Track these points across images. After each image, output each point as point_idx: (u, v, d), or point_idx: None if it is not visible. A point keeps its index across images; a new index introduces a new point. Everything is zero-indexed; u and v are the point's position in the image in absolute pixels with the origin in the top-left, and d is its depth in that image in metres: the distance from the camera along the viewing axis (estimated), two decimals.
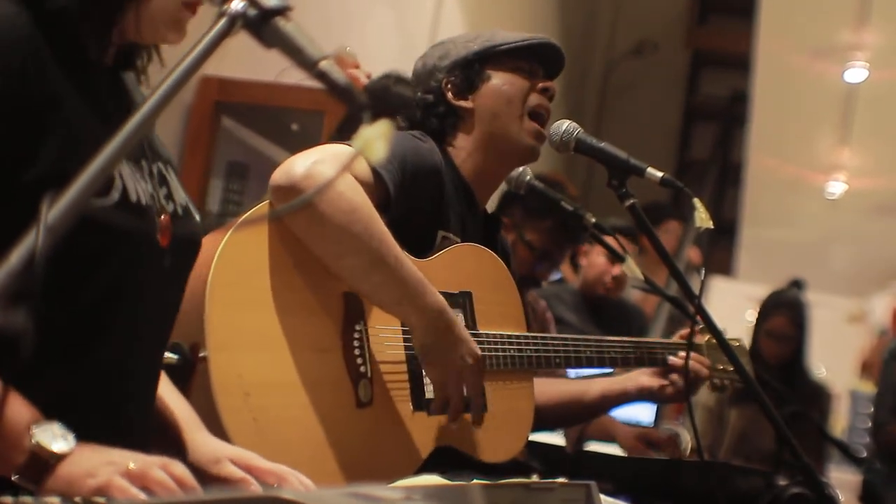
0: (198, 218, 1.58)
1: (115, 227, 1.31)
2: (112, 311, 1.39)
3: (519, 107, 2.28)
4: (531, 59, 2.32)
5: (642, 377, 2.60)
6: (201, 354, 1.74)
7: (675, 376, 2.57)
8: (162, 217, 1.46)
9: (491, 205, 2.46)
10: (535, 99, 2.30)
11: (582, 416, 2.79)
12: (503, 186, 2.54)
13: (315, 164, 1.85)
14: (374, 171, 1.99)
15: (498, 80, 2.29)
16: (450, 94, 2.30)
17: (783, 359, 5.12)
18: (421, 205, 2.10)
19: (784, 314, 5.20)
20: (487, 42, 2.30)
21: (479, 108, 2.29)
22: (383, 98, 2.72)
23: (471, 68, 2.29)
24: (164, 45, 1.53)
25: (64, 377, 1.34)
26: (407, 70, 2.83)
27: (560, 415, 2.60)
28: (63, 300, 1.32)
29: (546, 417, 2.49)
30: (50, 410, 1.26)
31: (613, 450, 3.33)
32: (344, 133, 2.60)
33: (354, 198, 1.89)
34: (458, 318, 2.10)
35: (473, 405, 2.08)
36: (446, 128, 2.30)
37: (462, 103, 2.29)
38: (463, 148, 2.29)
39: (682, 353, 2.56)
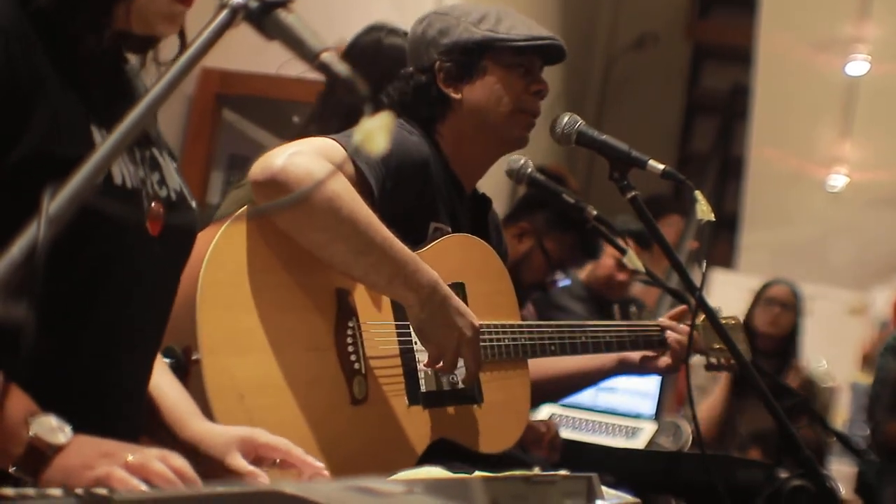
0: (193, 203, 1.57)
1: (97, 210, 1.29)
2: (96, 296, 1.38)
3: (508, 106, 2.25)
4: (532, 54, 2.29)
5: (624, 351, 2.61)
6: (194, 357, 1.74)
7: (671, 351, 2.59)
8: (153, 204, 1.45)
9: (484, 186, 2.44)
10: (526, 101, 2.27)
11: (565, 390, 2.82)
12: (522, 189, 2.53)
13: (292, 155, 1.85)
14: (357, 167, 1.98)
15: (492, 77, 2.25)
16: (441, 80, 2.26)
17: (783, 330, 5.12)
18: (408, 198, 2.09)
19: (786, 285, 5.24)
20: (490, 32, 2.24)
21: (468, 100, 2.25)
22: (376, 55, 2.62)
23: (468, 56, 2.24)
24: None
25: (49, 363, 1.32)
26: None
27: (544, 391, 2.59)
28: (45, 283, 1.31)
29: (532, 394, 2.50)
30: (35, 397, 1.26)
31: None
32: (325, 114, 2.57)
33: (336, 184, 1.88)
34: None
35: (467, 376, 2.08)
36: (434, 114, 2.27)
37: (451, 93, 2.25)
38: (449, 136, 2.27)
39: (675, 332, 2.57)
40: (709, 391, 4.91)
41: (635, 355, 2.61)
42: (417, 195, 2.13)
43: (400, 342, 2.06)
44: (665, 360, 2.60)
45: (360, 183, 1.97)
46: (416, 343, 2.07)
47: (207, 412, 1.71)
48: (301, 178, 1.81)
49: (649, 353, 2.61)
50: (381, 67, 2.50)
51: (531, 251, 3.46)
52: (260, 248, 1.87)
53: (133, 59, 1.55)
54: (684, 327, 2.59)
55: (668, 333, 2.59)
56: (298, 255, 1.91)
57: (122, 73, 1.53)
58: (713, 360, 2.67)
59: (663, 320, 2.64)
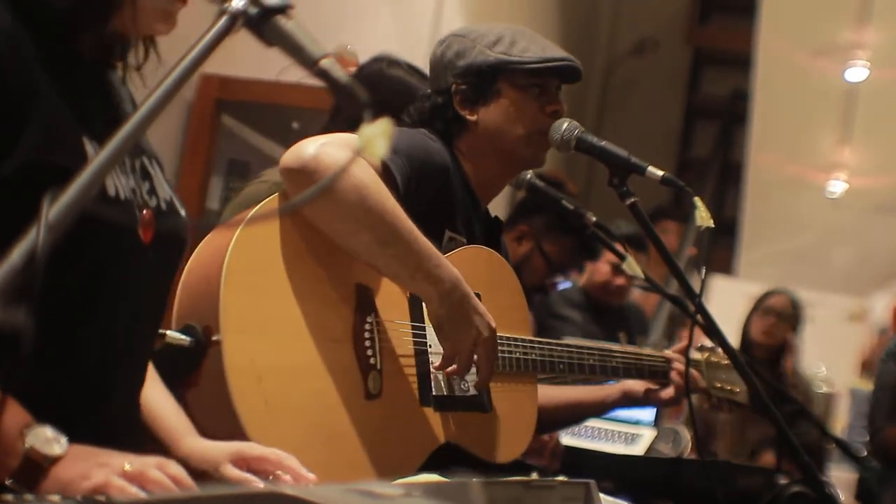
0: (183, 213, 1.57)
1: (91, 222, 1.29)
2: (92, 306, 1.38)
3: (524, 128, 2.26)
4: (546, 75, 2.28)
5: (629, 382, 2.62)
6: (214, 338, 1.74)
7: (673, 385, 2.60)
8: (144, 212, 1.45)
9: (493, 207, 2.46)
10: (541, 122, 2.27)
11: (570, 420, 2.83)
12: (519, 194, 2.54)
13: (324, 145, 1.85)
14: (383, 164, 1.99)
15: (507, 99, 2.26)
16: (457, 102, 2.28)
17: (776, 340, 5.13)
18: (428, 202, 2.10)
19: (785, 295, 5.24)
20: (504, 55, 2.25)
21: (484, 122, 2.27)
22: (378, 84, 2.66)
23: (482, 78, 2.25)
24: (161, 41, 1.53)
25: (43, 372, 1.32)
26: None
27: (549, 419, 2.59)
28: (41, 294, 1.30)
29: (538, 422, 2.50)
30: (29, 406, 1.26)
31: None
32: (335, 122, 2.59)
33: (364, 175, 1.89)
34: None
35: (480, 378, 2.08)
36: (452, 132, 2.29)
37: (467, 115, 2.27)
38: (466, 153, 2.28)
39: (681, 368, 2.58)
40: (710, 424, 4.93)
41: (639, 387, 2.62)
42: (436, 199, 2.14)
43: (415, 343, 2.07)
44: (668, 393, 2.61)
45: (385, 178, 1.98)
46: (430, 346, 2.08)
47: (224, 392, 1.71)
48: (332, 167, 1.82)
49: (652, 386, 2.61)
50: (382, 97, 2.52)
51: (530, 254, 3.47)
52: (287, 235, 1.87)
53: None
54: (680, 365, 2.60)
55: (675, 364, 2.60)
56: (323, 245, 1.91)
57: (109, 81, 1.53)
58: (714, 399, 2.68)
59: (669, 353, 2.65)
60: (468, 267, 2.14)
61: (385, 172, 1.99)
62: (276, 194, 1.91)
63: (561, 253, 3.48)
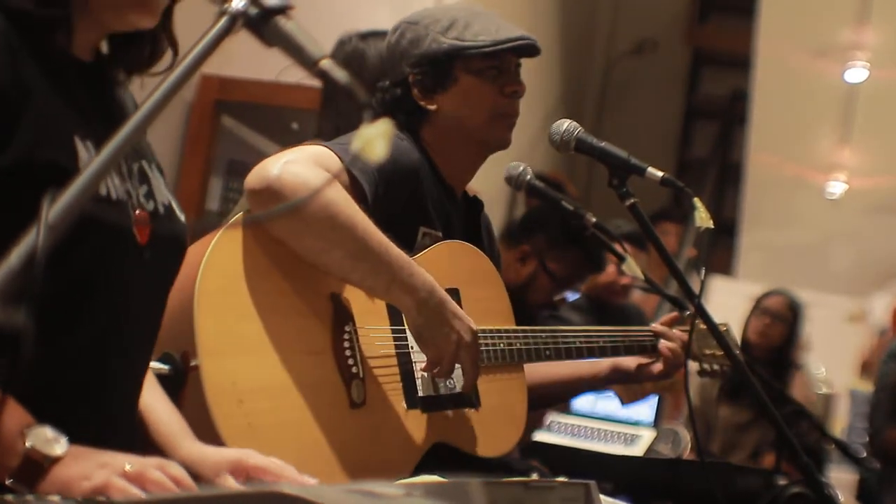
0: (182, 217, 1.56)
1: (83, 221, 1.29)
2: (85, 305, 1.37)
3: (485, 112, 2.25)
4: (503, 54, 2.26)
5: (618, 358, 2.60)
6: (193, 363, 1.74)
7: (662, 358, 2.58)
8: (137, 212, 1.44)
9: (484, 192, 2.44)
10: (501, 104, 2.26)
11: (559, 396, 2.82)
12: (522, 196, 2.52)
13: (287, 164, 1.85)
14: (350, 174, 1.99)
15: (464, 85, 2.25)
16: (415, 92, 2.26)
17: (771, 341, 5.12)
18: (400, 204, 2.10)
19: (782, 296, 5.23)
20: (458, 40, 2.23)
21: (444, 110, 2.26)
22: (359, 64, 2.62)
23: (439, 66, 2.24)
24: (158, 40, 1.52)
25: (38, 373, 1.29)
26: None
27: (538, 396, 2.58)
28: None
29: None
30: (26, 404, 1.25)
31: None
32: (326, 112, 2.57)
33: (331, 191, 1.89)
34: None
35: (466, 380, 2.08)
36: (415, 124, 2.27)
37: (426, 104, 2.26)
38: (432, 143, 2.27)
39: (669, 342, 2.56)
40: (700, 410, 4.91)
41: (630, 363, 2.60)
42: (408, 200, 2.14)
43: (396, 346, 2.06)
44: (658, 367, 2.59)
45: (353, 188, 1.98)
46: (412, 347, 2.08)
47: (206, 417, 1.71)
48: (296, 186, 1.82)
49: (644, 361, 2.59)
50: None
51: (535, 273, 3.45)
52: (256, 253, 1.87)
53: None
54: (677, 333, 2.58)
55: (661, 342, 2.58)
56: (294, 259, 1.91)
57: (111, 91, 1.53)
58: (706, 366, 2.67)
59: (656, 326, 2.63)
60: (443, 264, 2.13)
61: (353, 183, 1.99)
62: (241, 214, 1.90)
63: (565, 268, 3.46)
